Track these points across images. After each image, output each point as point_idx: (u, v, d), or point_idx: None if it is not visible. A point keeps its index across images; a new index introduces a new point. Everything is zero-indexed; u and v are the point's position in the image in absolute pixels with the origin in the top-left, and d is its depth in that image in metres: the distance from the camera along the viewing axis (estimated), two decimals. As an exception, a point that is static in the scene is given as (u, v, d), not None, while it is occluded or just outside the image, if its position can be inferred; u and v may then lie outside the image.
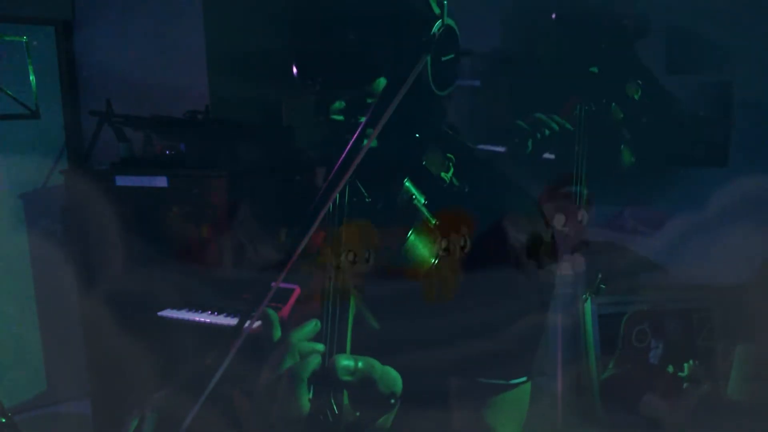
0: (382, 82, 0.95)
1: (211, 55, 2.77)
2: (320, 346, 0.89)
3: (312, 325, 0.90)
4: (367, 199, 0.97)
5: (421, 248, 0.94)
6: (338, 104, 0.96)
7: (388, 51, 0.93)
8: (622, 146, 1.94)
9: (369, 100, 0.95)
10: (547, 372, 1.88)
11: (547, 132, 1.86)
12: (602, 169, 1.97)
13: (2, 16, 2.83)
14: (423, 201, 0.97)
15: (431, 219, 0.96)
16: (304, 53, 0.97)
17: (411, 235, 0.94)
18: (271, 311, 0.91)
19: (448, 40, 0.96)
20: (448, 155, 1.02)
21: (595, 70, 1.92)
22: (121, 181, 2.61)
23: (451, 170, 1.01)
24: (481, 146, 2.11)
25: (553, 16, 1.96)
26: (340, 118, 0.96)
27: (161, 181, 2.54)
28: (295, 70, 0.97)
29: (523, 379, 1.01)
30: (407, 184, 0.98)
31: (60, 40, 3.09)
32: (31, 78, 2.69)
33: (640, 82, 1.96)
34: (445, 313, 0.94)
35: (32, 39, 2.75)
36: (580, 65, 1.93)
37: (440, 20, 0.94)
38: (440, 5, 0.95)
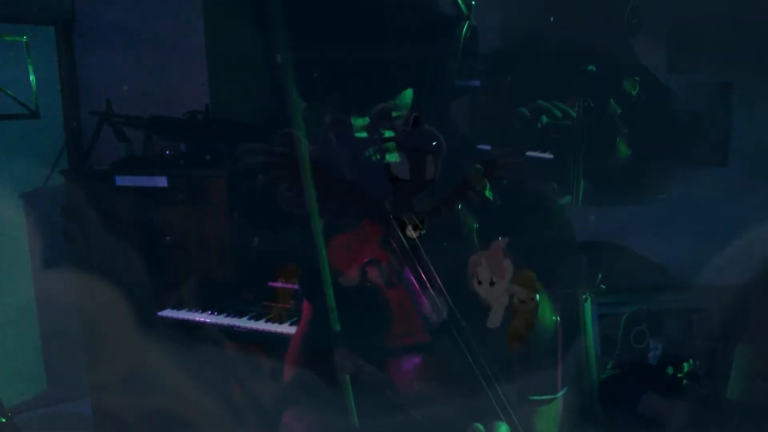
0: (408, 93, 0.90)
1: (211, 55, 2.77)
2: None
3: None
4: (422, 231, 0.90)
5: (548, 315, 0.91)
6: (362, 121, 0.90)
7: (418, 57, 0.88)
8: (618, 139, 1.94)
9: (394, 114, 0.89)
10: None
11: (545, 119, 1.86)
12: (600, 163, 1.97)
13: (2, 16, 2.83)
14: (476, 226, 0.92)
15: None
16: (327, 67, 0.90)
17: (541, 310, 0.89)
18: (480, 426, 0.85)
19: (474, 40, 0.92)
20: (477, 167, 0.95)
21: (593, 68, 1.92)
22: (121, 181, 2.61)
23: (488, 185, 0.94)
24: (480, 146, 2.10)
25: (552, 19, 1.96)
26: (363, 135, 0.90)
27: (161, 181, 2.54)
28: (314, 86, 0.89)
29: (565, 389, 1.02)
30: (461, 209, 0.91)
31: (60, 40, 3.09)
32: (31, 78, 2.69)
33: (637, 78, 1.97)
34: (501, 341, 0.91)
35: (32, 39, 2.75)
36: (578, 63, 1.93)
37: (467, 21, 0.90)
38: (468, 6, 0.92)
